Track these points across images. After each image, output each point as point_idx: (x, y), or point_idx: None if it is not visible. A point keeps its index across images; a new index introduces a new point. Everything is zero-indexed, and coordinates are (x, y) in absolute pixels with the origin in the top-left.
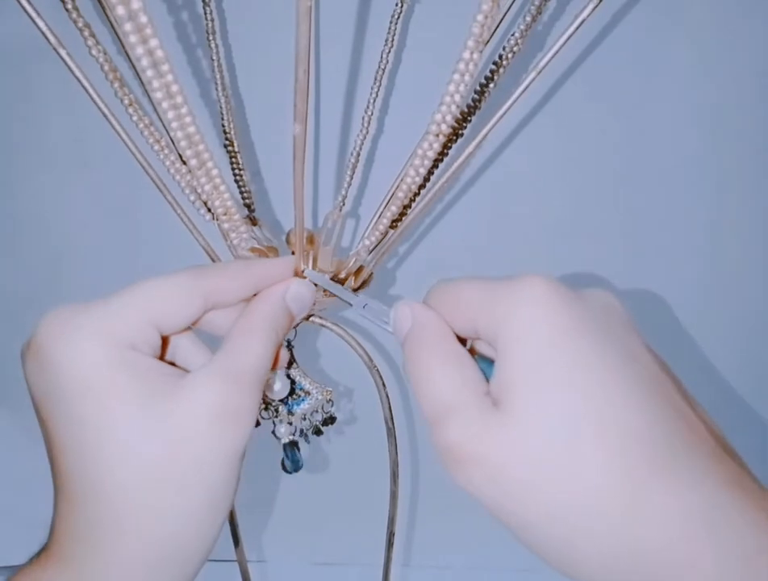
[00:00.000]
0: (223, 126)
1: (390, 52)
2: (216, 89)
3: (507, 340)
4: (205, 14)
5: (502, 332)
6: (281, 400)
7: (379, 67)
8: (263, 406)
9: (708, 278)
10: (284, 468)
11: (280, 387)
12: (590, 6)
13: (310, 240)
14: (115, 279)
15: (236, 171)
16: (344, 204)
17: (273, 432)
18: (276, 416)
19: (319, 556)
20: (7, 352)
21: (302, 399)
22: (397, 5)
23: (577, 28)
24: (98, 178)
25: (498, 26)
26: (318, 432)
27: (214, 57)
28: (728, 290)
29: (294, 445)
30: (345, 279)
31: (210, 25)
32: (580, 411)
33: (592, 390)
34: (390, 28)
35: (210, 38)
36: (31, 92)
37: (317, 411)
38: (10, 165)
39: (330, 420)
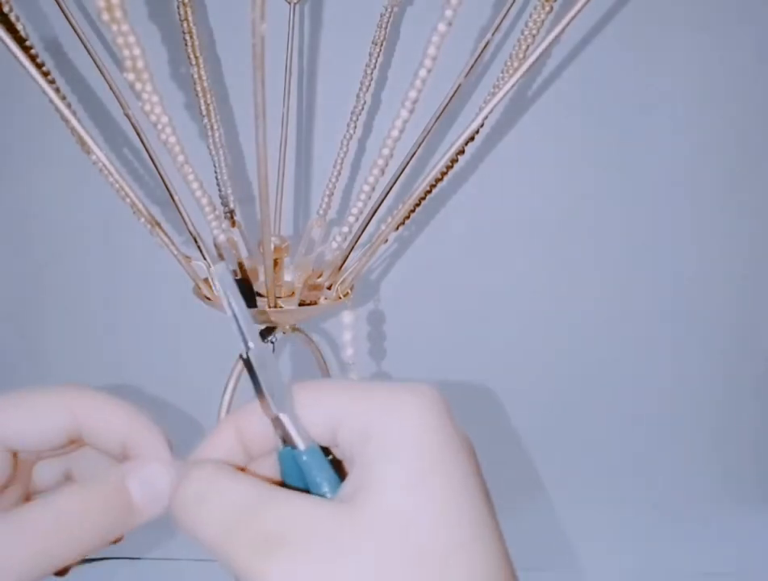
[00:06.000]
0: (206, 121)
1: (378, 56)
2: (198, 97)
3: (376, 452)
4: (180, 16)
5: (372, 445)
6: None
7: (366, 73)
8: None
9: (699, 278)
10: None
11: None
12: (578, 6)
13: (285, 248)
14: (114, 278)
15: (218, 178)
16: (326, 212)
17: None
18: None
19: None
20: (7, 351)
21: None
22: (386, 9)
23: (563, 29)
24: (96, 180)
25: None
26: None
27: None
28: (721, 291)
29: None
30: (330, 286)
31: (187, 25)
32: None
33: (451, 533)
34: (378, 34)
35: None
36: (30, 94)
37: None
38: (9, 166)
39: None
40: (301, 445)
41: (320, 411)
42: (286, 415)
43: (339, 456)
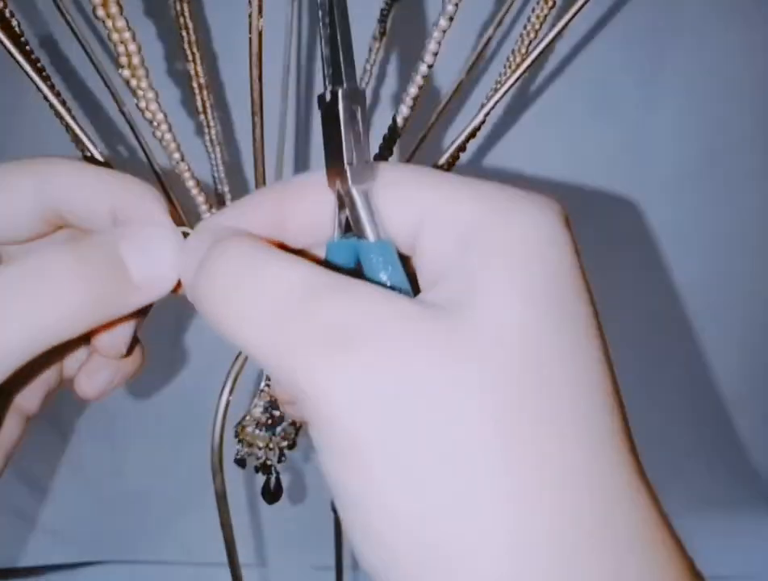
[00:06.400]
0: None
1: (378, 51)
2: (195, 94)
3: (483, 260)
4: (176, 12)
5: (476, 251)
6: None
7: (365, 69)
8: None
9: (705, 277)
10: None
11: None
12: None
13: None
14: None
15: (215, 176)
16: None
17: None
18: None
19: (320, 559)
20: None
21: (283, 418)
22: (386, 3)
23: (564, 27)
24: None
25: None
26: (293, 445)
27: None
28: (725, 291)
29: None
30: None
31: (184, 21)
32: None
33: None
34: (378, 29)
35: (188, 49)
36: (24, 90)
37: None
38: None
39: (299, 428)
40: (371, 234)
41: (405, 201)
42: (361, 191)
43: (412, 267)
